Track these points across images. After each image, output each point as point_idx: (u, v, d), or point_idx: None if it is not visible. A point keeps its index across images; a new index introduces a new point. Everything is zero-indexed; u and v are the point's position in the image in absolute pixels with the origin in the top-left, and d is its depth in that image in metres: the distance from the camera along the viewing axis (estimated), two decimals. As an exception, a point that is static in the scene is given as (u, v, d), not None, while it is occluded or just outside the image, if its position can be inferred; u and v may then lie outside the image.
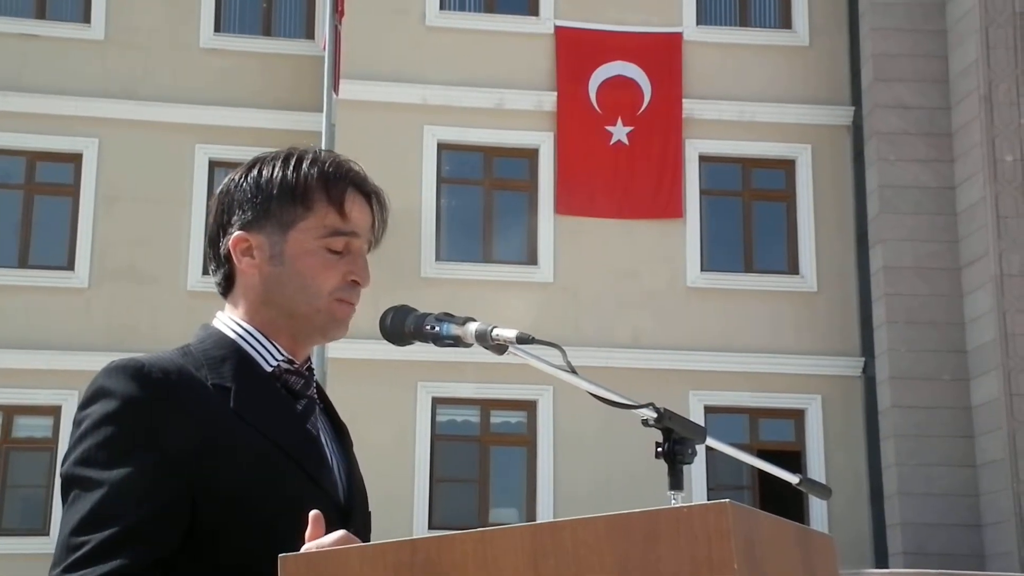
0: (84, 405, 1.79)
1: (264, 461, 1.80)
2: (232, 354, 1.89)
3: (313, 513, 1.67)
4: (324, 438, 1.94)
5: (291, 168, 1.93)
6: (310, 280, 1.91)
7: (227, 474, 1.76)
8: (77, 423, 1.78)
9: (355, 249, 1.94)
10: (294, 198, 1.91)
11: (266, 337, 1.92)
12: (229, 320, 1.95)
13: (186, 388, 1.80)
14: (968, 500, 15.02)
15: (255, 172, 1.95)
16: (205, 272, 15.89)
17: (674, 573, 1.40)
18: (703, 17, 17.24)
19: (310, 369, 1.98)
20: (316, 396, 1.98)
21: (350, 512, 1.90)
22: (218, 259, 1.96)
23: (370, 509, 2.02)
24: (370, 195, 1.97)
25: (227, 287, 1.97)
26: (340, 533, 1.64)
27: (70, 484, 1.74)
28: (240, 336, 1.92)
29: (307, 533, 1.65)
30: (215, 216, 1.97)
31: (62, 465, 1.78)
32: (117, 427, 1.74)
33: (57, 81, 16.55)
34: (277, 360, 1.92)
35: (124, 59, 16.80)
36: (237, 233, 1.93)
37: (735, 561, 1.38)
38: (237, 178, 1.96)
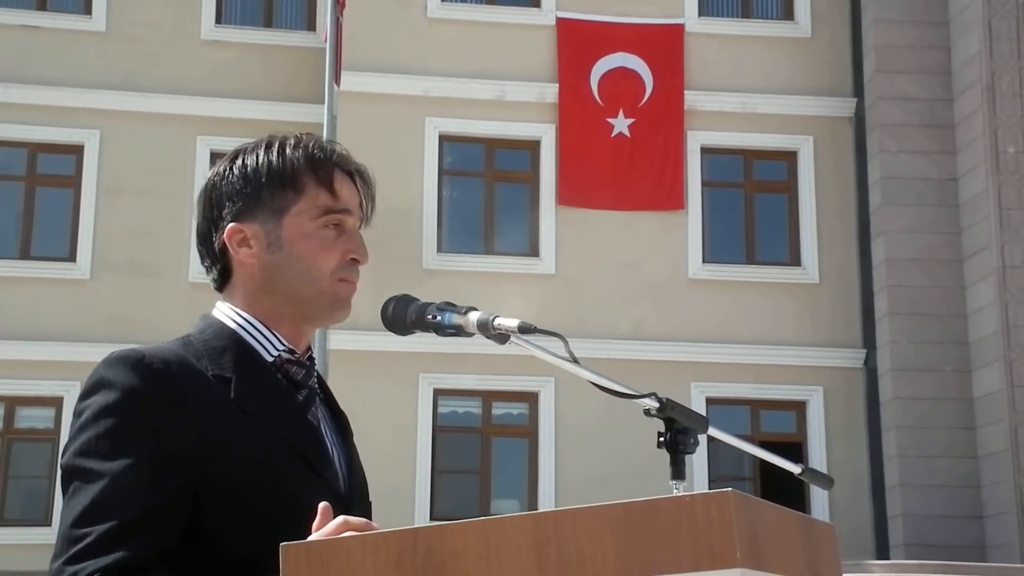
0: (85, 396, 1.78)
1: (265, 452, 1.80)
2: (232, 344, 1.88)
3: (322, 504, 1.67)
4: (324, 428, 1.94)
5: (275, 154, 1.93)
6: (310, 262, 1.90)
7: (228, 465, 1.76)
8: (77, 414, 1.78)
9: (350, 227, 1.94)
10: (284, 183, 1.91)
11: (267, 327, 1.92)
12: (229, 310, 1.94)
13: (187, 379, 1.79)
14: (969, 492, 15.02)
15: (240, 162, 1.94)
16: (206, 264, 15.90)
17: (676, 562, 1.40)
18: (705, 8, 17.22)
19: (311, 359, 1.97)
20: (317, 386, 1.97)
21: (350, 503, 1.89)
22: (212, 255, 1.95)
23: (371, 500, 2.01)
24: (353, 174, 1.98)
25: (223, 282, 1.96)
26: (338, 520, 1.63)
27: (71, 475, 1.74)
28: (240, 326, 1.91)
29: (314, 524, 1.65)
30: (203, 213, 1.95)
31: (62, 456, 1.77)
32: (118, 418, 1.74)
33: (58, 73, 16.54)
34: (278, 350, 1.91)
35: (125, 51, 16.79)
36: (231, 225, 1.92)
37: (737, 550, 1.38)
38: (222, 171, 1.95)
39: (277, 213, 1.91)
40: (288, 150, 1.93)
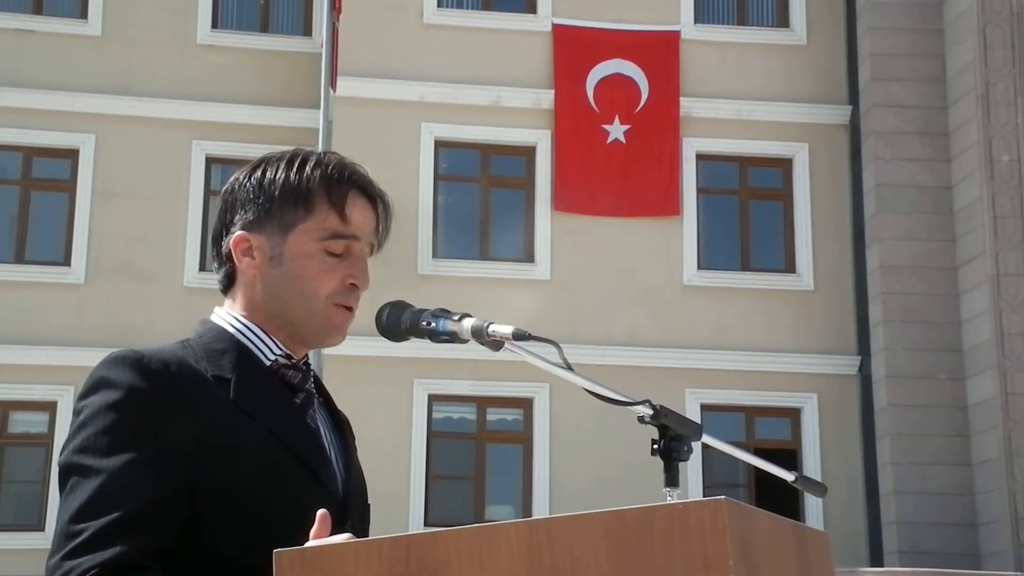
0: (84, 395, 1.79)
1: (263, 453, 1.81)
2: (232, 347, 1.90)
3: (320, 512, 1.67)
4: (324, 431, 1.95)
5: (294, 170, 1.93)
6: (307, 283, 1.91)
7: (225, 465, 1.77)
8: (76, 412, 1.79)
9: (355, 253, 1.94)
10: (295, 200, 1.91)
11: (265, 333, 1.93)
12: (228, 315, 1.95)
13: (186, 379, 1.80)
14: (963, 499, 15.03)
15: (259, 172, 1.95)
16: (202, 268, 15.90)
17: (669, 570, 1.40)
18: (701, 15, 17.24)
19: (307, 364, 1.98)
20: (314, 390, 1.98)
21: (347, 505, 1.90)
22: (220, 257, 1.97)
23: (369, 502, 2.02)
24: (374, 199, 1.97)
25: (228, 285, 1.98)
26: (343, 536, 1.64)
27: (69, 472, 1.75)
28: (239, 331, 1.93)
29: (312, 531, 1.66)
30: (219, 214, 1.98)
31: (61, 454, 1.78)
32: (117, 416, 1.75)
33: (54, 77, 16.52)
34: (275, 355, 1.93)
35: (121, 55, 16.78)
36: (238, 233, 1.93)
37: (731, 558, 1.38)
38: (241, 177, 1.96)
39: (284, 228, 1.91)
40: (307, 167, 1.93)
